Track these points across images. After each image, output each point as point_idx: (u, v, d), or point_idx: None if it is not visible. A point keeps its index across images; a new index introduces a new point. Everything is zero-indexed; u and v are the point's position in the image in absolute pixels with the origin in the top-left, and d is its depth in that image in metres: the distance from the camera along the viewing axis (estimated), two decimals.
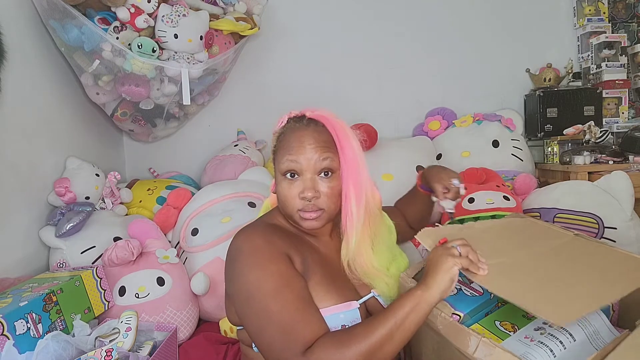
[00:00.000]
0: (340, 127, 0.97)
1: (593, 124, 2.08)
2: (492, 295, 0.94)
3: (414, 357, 1.03)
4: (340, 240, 1.02)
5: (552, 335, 0.80)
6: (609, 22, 2.35)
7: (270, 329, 0.83)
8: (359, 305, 0.94)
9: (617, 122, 2.23)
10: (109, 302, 1.39)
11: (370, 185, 0.99)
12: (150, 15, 1.62)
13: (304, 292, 0.88)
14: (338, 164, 0.95)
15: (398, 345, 0.80)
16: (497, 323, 0.89)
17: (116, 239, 1.60)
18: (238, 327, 0.98)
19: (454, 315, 0.87)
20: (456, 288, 0.97)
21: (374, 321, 0.81)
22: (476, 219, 1.74)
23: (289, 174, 0.94)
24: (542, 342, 0.78)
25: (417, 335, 0.97)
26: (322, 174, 0.94)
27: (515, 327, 0.87)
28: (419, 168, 2.01)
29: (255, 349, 0.93)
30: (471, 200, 1.81)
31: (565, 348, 0.77)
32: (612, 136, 2.15)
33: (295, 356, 0.79)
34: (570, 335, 0.79)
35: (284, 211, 0.98)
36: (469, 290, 0.96)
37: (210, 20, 1.79)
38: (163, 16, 1.64)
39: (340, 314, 0.90)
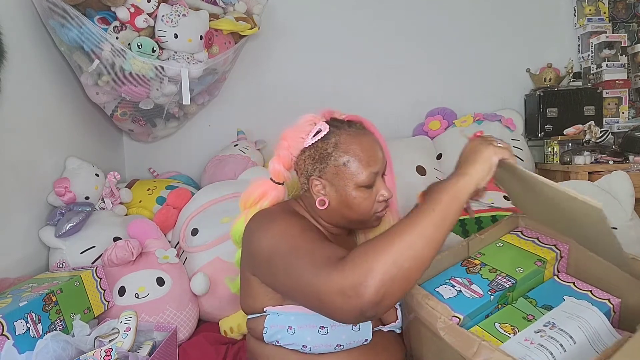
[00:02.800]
0: (376, 129, 1.03)
1: (593, 123, 2.08)
2: (492, 297, 0.94)
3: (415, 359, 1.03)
4: (354, 238, 1.09)
5: (552, 337, 0.80)
6: (609, 22, 2.35)
7: (300, 261, 0.79)
8: None
9: (618, 122, 2.23)
10: (108, 302, 1.39)
11: None
12: (150, 15, 1.62)
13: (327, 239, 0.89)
14: None
15: (437, 244, 0.74)
16: (497, 325, 0.89)
17: (116, 239, 1.60)
18: (249, 316, 0.97)
19: (454, 318, 0.87)
20: (456, 290, 0.97)
21: (410, 218, 0.75)
22: (477, 219, 1.74)
23: (368, 185, 0.94)
24: (542, 345, 0.78)
25: (419, 339, 0.97)
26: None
27: (515, 329, 0.87)
28: (418, 168, 2.01)
29: (265, 337, 0.92)
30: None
31: (565, 351, 0.77)
32: (612, 136, 2.14)
33: (330, 267, 0.74)
34: (571, 337, 0.79)
35: (355, 218, 0.96)
36: (468, 292, 0.96)
37: (210, 20, 1.79)
38: (163, 16, 1.64)
39: None
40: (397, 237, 0.73)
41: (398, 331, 1.03)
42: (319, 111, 1.01)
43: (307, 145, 0.97)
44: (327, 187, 0.95)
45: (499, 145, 0.82)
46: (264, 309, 0.93)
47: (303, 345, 0.89)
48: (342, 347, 0.90)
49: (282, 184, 1.03)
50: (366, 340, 0.92)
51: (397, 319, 1.00)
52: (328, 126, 0.96)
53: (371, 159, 0.94)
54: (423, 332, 0.93)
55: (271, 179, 1.03)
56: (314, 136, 0.95)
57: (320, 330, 0.89)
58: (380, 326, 0.98)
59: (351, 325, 0.89)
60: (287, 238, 0.85)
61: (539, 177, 0.79)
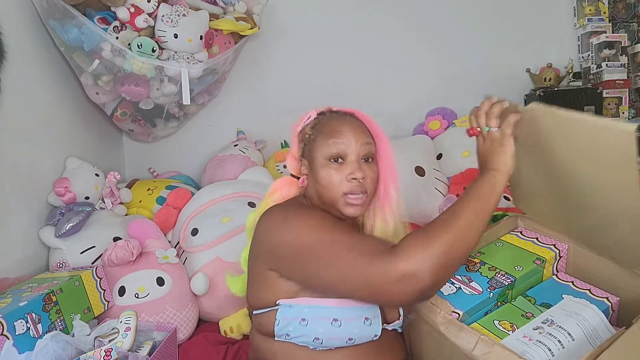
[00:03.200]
0: (370, 119, 1.06)
1: None
2: (491, 294, 0.94)
3: (415, 356, 1.03)
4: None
5: (550, 334, 0.80)
6: (609, 22, 2.35)
7: (345, 253, 0.83)
8: None
9: None
10: (108, 302, 1.39)
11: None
12: (150, 15, 1.62)
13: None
14: (375, 152, 1.01)
15: (480, 231, 0.82)
16: (496, 322, 0.89)
17: (116, 239, 1.60)
18: (257, 311, 0.97)
19: (453, 314, 0.87)
20: (455, 287, 0.97)
21: (455, 209, 0.83)
22: None
23: (335, 158, 0.97)
24: (540, 342, 0.79)
25: (418, 334, 0.98)
26: (363, 160, 0.98)
27: (514, 326, 0.87)
28: (417, 169, 2.00)
29: (276, 330, 0.91)
30: None
31: (563, 347, 0.77)
32: None
33: (383, 257, 0.79)
34: (569, 334, 0.79)
35: (326, 197, 0.98)
36: (468, 289, 0.96)
37: (210, 20, 1.79)
38: (163, 16, 1.64)
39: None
40: (446, 225, 0.80)
41: (400, 330, 1.03)
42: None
43: (299, 131, 1.06)
44: (307, 166, 1.02)
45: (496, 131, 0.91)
46: (277, 302, 0.93)
47: (315, 338, 0.89)
48: (353, 340, 0.90)
49: (298, 178, 1.09)
50: (375, 335, 0.92)
51: (400, 316, 1.00)
52: (316, 113, 1.05)
53: (343, 134, 0.97)
54: (423, 328, 0.94)
55: (292, 175, 1.10)
56: (305, 123, 1.05)
57: (333, 322, 0.89)
58: (384, 325, 0.98)
59: (363, 319, 0.91)
60: (322, 231, 0.88)
61: (567, 113, 0.83)
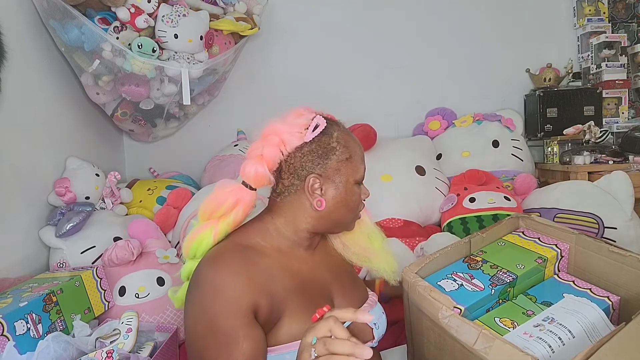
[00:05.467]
0: None
1: (593, 124, 2.08)
2: (492, 290, 0.94)
3: (416, 351, 1.03)
4: (321, 254, 0.99)
5: (551, 331, 0.80)
6: (609, 22, 2.35)
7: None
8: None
9: (617, 122, 2.23)
10: (109, 302, 1.39)
11: None
12: (150, 15, 1.62)
13: (245, 354, 0.76)
14: None
15: None
16: (497, 319, 0.89)
17: (116, 239, 1.60)
18: None
19: (455, 309, 0.87)
20: (457, 284, 0.97)
21: None
22: (478, 217, 1.74)
23: (361, 182, 0.93)
24: (540, 338, 0.79)
25: (419, 329, 0.97)
26: None
27: (515, 323, 0.87)
28: (417, 168, 2.00)
29: None
30: (472, 200, 1.81)
31: (563, 344, 0.78)
32: (612, 136, 2.15)
33: None
34: (569, 331, 0.80)
35: (344, 218, 0.92)
36: (470, 285, 0.96)
37: (210, 20, 1.79)
38: (163, 16, 1.64)
39: None
40: None
41: (374, 345, 0.97)
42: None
43: (307, 140, 0.87)
44: (324, 186, 0.87)
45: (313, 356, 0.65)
46: None
47: None
48: None
49: (256, 189, 0.91)
50: None
51: (374, 338, 0.94)
52: (325, 120, 0.88)
53: (363, 155, 0.94)
54: (424, 323, 0.93)
55: (244, 184, 0.90)
56: (313, 130, 0.86)
57: None
58: None
59: None
60: (202, 335, 0.78)
61: None
